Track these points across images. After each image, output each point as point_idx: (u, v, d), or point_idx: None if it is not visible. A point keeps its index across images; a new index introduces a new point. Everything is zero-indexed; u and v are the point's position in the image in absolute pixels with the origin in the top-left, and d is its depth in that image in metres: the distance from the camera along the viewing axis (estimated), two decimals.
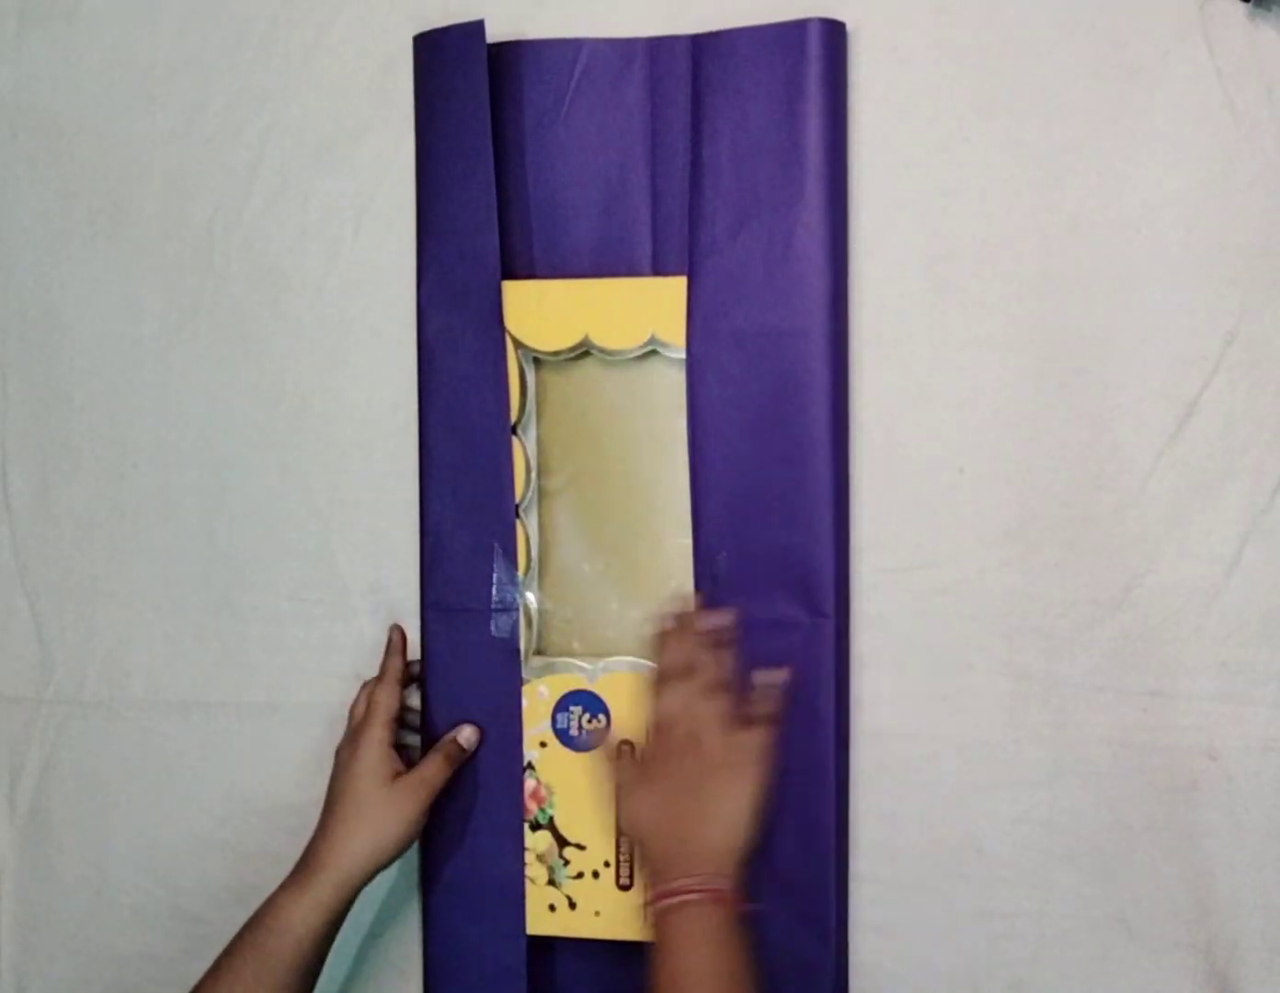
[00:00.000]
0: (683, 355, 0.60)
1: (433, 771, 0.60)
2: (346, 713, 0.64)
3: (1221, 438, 0.58)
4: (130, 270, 0.68)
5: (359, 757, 0.60)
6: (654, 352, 0.62)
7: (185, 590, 0.68)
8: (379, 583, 0.66)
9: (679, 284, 0.60)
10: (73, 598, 0.69)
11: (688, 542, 0.61)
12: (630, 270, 0.62)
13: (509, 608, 0.62)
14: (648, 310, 0.61)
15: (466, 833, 0.63)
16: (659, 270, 0.61)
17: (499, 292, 0.61)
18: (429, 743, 0.63)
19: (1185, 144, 0.58)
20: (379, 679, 0.63)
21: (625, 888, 0.62)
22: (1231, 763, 0.59)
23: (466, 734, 0.62)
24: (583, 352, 0.62)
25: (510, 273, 0.62)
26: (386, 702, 0.61)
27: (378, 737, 0.60)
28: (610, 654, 0.63)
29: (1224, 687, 0.58)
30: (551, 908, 0.62)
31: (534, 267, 0.62)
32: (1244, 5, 0.57)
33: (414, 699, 0.65)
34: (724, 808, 0.56)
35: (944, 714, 0.61)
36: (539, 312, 0.61)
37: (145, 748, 0.69)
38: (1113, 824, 0.60)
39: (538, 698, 0.62)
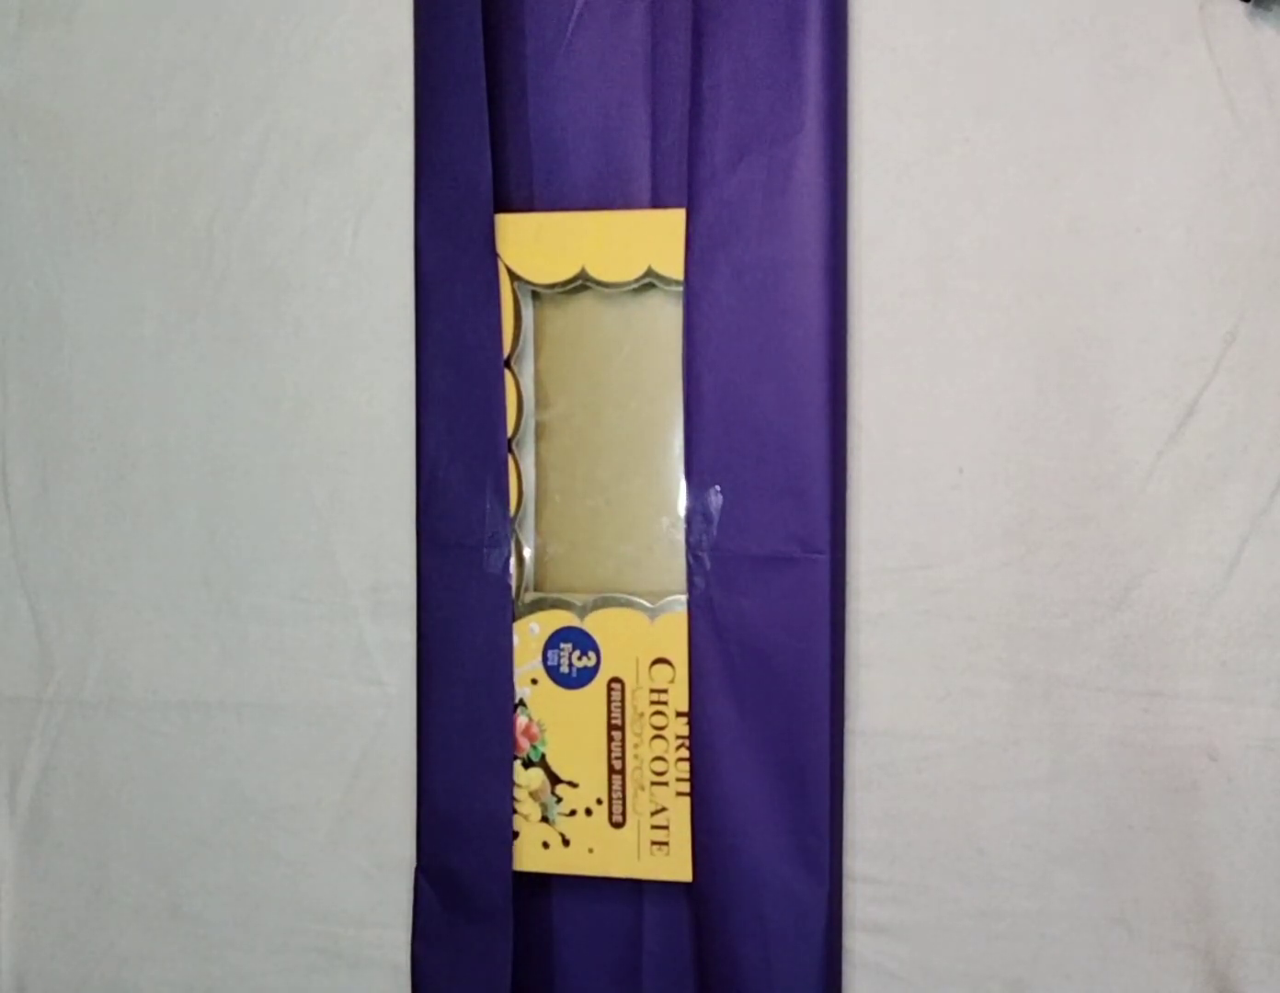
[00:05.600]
0: (680, 288, 0.60)
1: None
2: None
3: (1221, 438, 0.58)
4: (130, 270, 0.68)
5: None
6: (651, 284, 0.62)
7: (185, 590, 0.68)
8: (379, 583, 0.66)
9: (677, 216, 0.60)
10: (73, 598, 0.69)
11: (681, 477, 0.61)
12: (629, 203, 0.62)
13: (501, 543, 0.62)
14: (645, 243, 0.61)
15: (457, 769, 0.63)
16: (658, 203, 0.61)
17: (492, 223, 0.61)
18: (423, 686, 0.63)
19: (1185, 144, 0.58)
20: None
21: (618, 826, 0.62)
22: (1231, 763, 0.59)
23: None
24: (580, 285, 0.62)
25: (510, 206, 0.62)
26: None
27: None
28: (601, 591, 0.63)
29: (1224, 687, 0.58)
30: (545, 845, 0.63)
31: (533, 199, 0.62)
32: (1244, 5, 0.57)
33: None
34: None
35: (944, 714, 0.61)
36: (536, 244, 0.61)
37: (145, 748, 0.69)
38: (1113, 824, 0.60)
39: (529, 635, 0.62)
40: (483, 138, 0.61)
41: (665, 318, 0.63)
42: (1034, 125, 0.59)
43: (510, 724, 0.63)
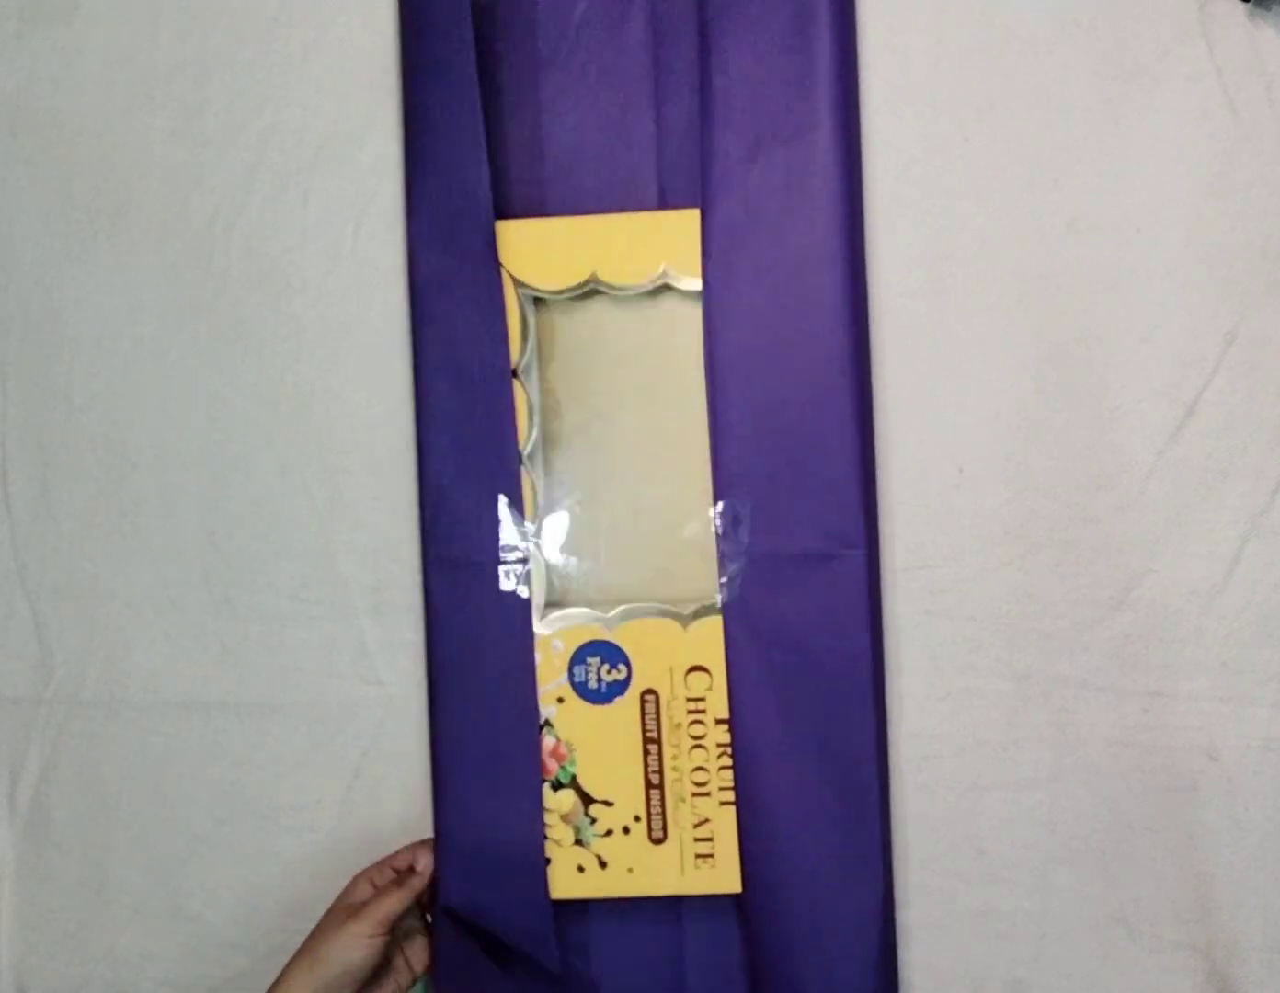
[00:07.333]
0: (697, 289, 0.59)
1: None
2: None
3: (1221, 438, 0.58)
4: (130, 270, 0.68)
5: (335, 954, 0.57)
6: (666, 286, 0.61)
7: (185, 590, 0.68)
8: (379, 583, 0.66)
9: (690, 217, 0.60)
10: (73, 598, 0.69)
11: (707, 481, 0.60)
12: (636, 206, 0.61)
13: (517, 559, 0.60)
14: (658, 244, 0.60)
15: (481, 799, 0.60)
16: (666, 205, 0.61)
17: (492, 230, 0.60)
18: (435, 709, 0.61)
19: (1185, 144, 0.58)
20: (396, 885, 0.60)
21: (658, 842, 0.60)
22: (1231, 763, 0.59)
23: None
24: (590, 290, 0.62)
25: (514, 212, 0.61)
26: (394, 907, 0.58)
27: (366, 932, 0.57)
28: (629, 601, 0.61)
29: (1224, 687, 0.58)
30: (580, 869, 0.61)
31: (538, 205, 0.62)
32: (1244, 5, 0.57)
33: None
34: None
35: (944, 714, 0.61)
36: (542, 251, 0.61)
37: (145, 748, 0.69)
38: (1113, 824, 0.60)
39: (552, 652, 0.61)
40: (479, 144, 0.60)
41: (681, 320, 0.62)
42: (1034, 125, 0.59)
43: (536, 747, 0.60)
